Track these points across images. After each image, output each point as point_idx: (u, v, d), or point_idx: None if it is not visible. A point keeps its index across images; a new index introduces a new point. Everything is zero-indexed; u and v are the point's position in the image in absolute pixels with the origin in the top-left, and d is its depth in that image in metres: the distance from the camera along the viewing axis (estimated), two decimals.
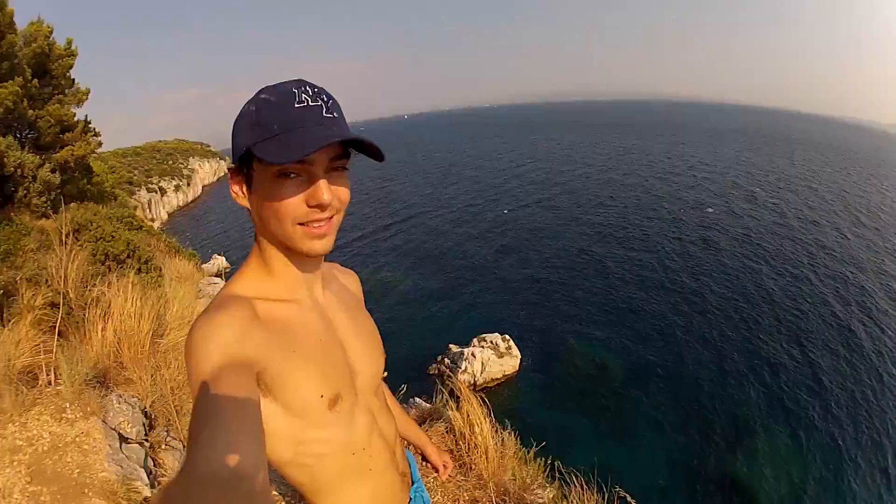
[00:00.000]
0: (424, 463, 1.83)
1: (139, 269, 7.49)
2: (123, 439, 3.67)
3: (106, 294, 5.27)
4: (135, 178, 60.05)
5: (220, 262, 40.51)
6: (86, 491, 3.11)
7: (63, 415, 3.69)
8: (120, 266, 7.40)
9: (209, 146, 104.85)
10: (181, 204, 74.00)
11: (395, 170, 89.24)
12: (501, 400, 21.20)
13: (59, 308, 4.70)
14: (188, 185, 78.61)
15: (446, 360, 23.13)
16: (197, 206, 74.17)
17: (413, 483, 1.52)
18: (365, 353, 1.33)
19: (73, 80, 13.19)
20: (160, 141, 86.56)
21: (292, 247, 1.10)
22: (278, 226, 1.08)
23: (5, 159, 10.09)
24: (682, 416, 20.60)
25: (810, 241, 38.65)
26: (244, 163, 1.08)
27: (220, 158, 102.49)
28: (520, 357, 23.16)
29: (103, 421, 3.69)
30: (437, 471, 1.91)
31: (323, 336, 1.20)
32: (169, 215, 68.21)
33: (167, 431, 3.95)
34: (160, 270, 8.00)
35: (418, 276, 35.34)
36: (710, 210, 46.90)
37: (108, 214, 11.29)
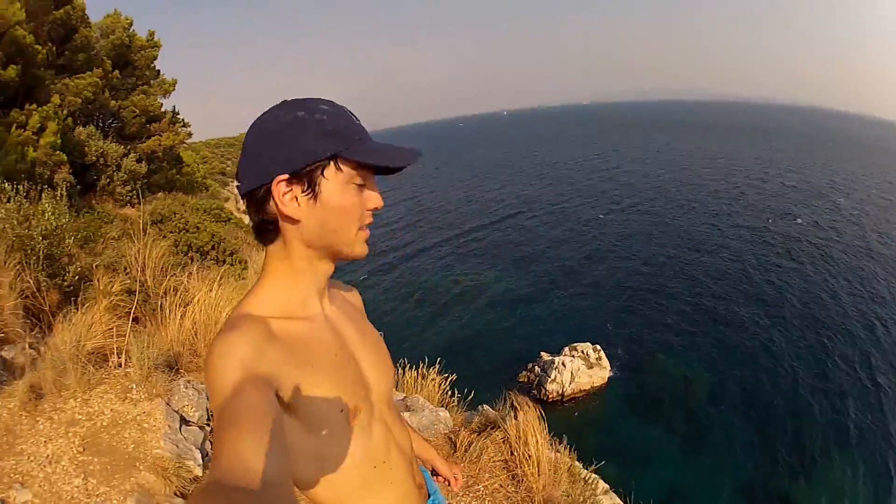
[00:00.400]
0: (434, 476, 1.80)
1: (224, 261, 7.61)
2: (185, 421, 3.85)
3: (185, 284, 5.51)
4: (228, 168, 61.34)
5: None
6: (137, 465, 3.25)
7: (128, 395, 3.86)
8: (203, 257, 7.54)
9: None
10: None
11: (490, 168, 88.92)
12: (585, 412, 21.08)
13: (135, 295, 4.97)
14: None
15: (537, 368, 22.81)
16: None
17: (430, 496, 1.53)
18: (377, 366, 1.35)
19: (158, 71, 13.67)
20: (242, 133, 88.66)
21: (347, 252, 1.17)
22: (344, 231, 1.14)
23: (86, 148, 10.66)
24: (756, 438, 19.77)
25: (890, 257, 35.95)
26: (309, 169, 1.10)
27: None
28: (609, 368, 22.78)
29: (167, 403, 3.88)
30: (448, 483, 1.88)
31: (338, 351, 1.22)
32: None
33: None
34: (245, 263, 8.14)
35: (511, 278, 34.99)
36: (800, 221, 44.31)
37: (196, 206, 11.61)
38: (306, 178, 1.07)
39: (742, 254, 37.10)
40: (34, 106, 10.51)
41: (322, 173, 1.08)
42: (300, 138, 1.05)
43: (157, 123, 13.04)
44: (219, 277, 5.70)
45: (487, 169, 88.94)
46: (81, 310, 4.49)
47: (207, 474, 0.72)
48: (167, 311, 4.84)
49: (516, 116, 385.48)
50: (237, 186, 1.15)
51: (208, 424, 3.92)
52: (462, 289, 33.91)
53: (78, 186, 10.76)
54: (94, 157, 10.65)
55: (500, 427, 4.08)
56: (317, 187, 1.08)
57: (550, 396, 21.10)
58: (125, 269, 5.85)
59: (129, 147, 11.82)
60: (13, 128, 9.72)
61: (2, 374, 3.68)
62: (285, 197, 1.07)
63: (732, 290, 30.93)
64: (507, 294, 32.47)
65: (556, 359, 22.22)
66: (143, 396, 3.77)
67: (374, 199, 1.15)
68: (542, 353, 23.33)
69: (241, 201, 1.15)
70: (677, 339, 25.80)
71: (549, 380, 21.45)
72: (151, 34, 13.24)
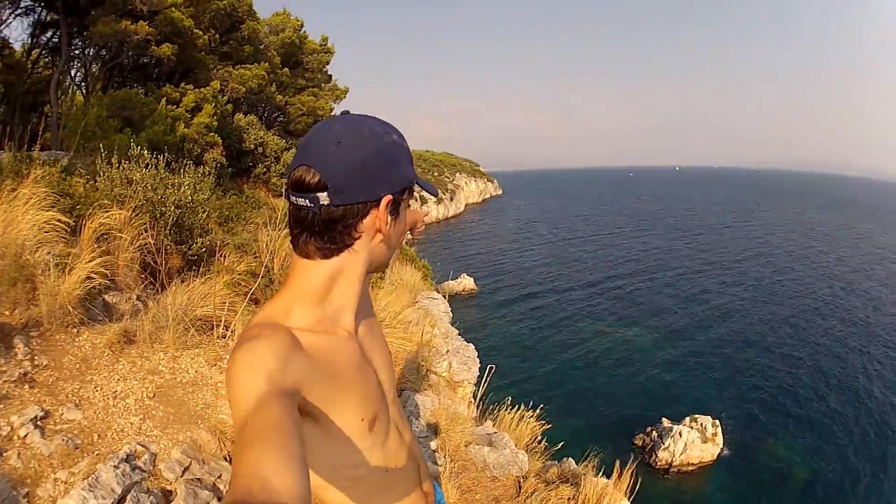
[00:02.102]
0: None
1: None
2: None
3: None
4: None
5: (467, 282, 42.06)
6: (198, 422, 3.35)
7: (218, 362, 4.07)
8: None
9: (478, 165, 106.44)
10: (440, 217, 76.73)
11: (655, 219, 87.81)
12: (685, 487, 20.36)
13: (258, 278, 5.19)
14: (451, 199, 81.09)
15: (654, 432, 22.44)
16: (457, 223, 76.74)
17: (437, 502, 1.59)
18: (387, 369, 1.41)
19: (331, 76, 14.51)
20: (427, 150, 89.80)
21: (386, 267, 1.30)
22: (394, 247, 1.26)
23: (245, 135, 11.35)
24: None
25: None
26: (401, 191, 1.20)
27: (489, 180, 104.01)
28: (721, 445, 21.88)
29: None
30: None
31: (361, 362, 1.26)
32: (426, 225, 71.44)
33: None
34: (382, 273, 8.36)
35: (650, 335, 34.19)
36: None
37: None
38: (396, 199, 1.16)
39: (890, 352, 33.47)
40: (190, 86, 11.55)
41: (403, 196, 1.19)
42: (401, 161, 1.16)
43: None
44: None
45: (647, 220, 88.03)
46: (201, 279, 4.75)
47: (227, 493, 0.71)
48: None
49: (685, 173, 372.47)
50: (312, 195, 1.09)
51: None
52: (602, 338, 33.44)
53: (230, 169, 11.55)
54: (252, 145, 11.43)
55: (574, 484, 3.94)
56: (398, 209, 1.19)
57: (659, 464, 20.81)
58: (255, 252, 6.20)
59: (290, 143, 12.62)
60: (164, 101, 10.58)
61: (100, 314, 3.93)
62: (385, 216, 1.15)
63: (873, 398, 27.87)
64: (646, 351, 31.75)
65: (675, 427, 21.85)
66: None
67: (419, 218, 1.57)
68: (664, 419, 22.96)
69: (315, 207, 1.11)
70: (796, 431, 24.15)
71: (663, 447, 21.15)
72: (325, 39, 14.06)
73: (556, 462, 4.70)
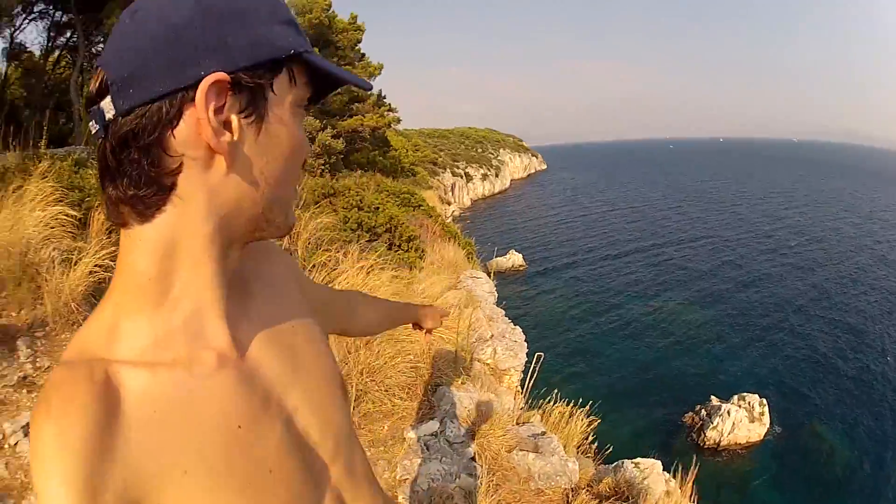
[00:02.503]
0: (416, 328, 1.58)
1: (399, 246, 7.50)
2: None
3: (337, 259, 5.39)
4: (440, 159, 63.21)
5: (516, 259, 41.69)
6: None
7: None
8: (375, 238, 7.54)
9: (521, 141, 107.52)
10: (486, 193, 77.00)
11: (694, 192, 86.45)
12: (731, 467, 20.06)
13: None
14: (496, 175, 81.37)
15: (703, 411, 22.12)
16: (504, 199, 76.56)
17: None
18: (324, 404, 0.84)
19: (363, 53, 14.22)
20: (470, 127, 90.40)
21: (281, 222, 0.75)
22: (290, 184, 0.74)
23: None
24: None
25: None
26: (257, 74, 0.66)
27: (533, 155, 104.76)
28: (768, 425, 21.54)
29: None
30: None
31: (247, 412, 0.71)
32: (472, 202, 71.73)
33: None
34: (423, 253, 7.95)
35: (698, 310, 33.49)
36: None
37: (385, 187, 11.74)
38: (248, 88, 0.65)
39: None
40: None
41: (272, 85, 0.67)
42: (256, 15, 0.65)
43: (361, 104, 13.51)
44: (376, 259, 5.62)
45: (690, 192, 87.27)
46: None
47: None
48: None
49: (731, 144, 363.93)
50: (93, 108, 0.63)
51: None
52: (648, 312, 33.01)
53: None
54: None
55: (631, 500, 3.51)
56: (265, 106, 0.67)
57: (707, 443, 20.57)
58: None
59: (326, 122, 12.38)
60: None
61: None
62: (217, 117, 0.63)
63: None
64: (691, 327, 31.21)
65: (724, 406, 21.62)
66: None
67: (305, 143, 0.75)
68: (713, 397, 22.65)
69: (100, 129, 0.63)
70: (846, 414, 23.44)
71: (712, 426, 20.92)
72: (354, 17, 13.76)
73: (610, 468, 4.26)
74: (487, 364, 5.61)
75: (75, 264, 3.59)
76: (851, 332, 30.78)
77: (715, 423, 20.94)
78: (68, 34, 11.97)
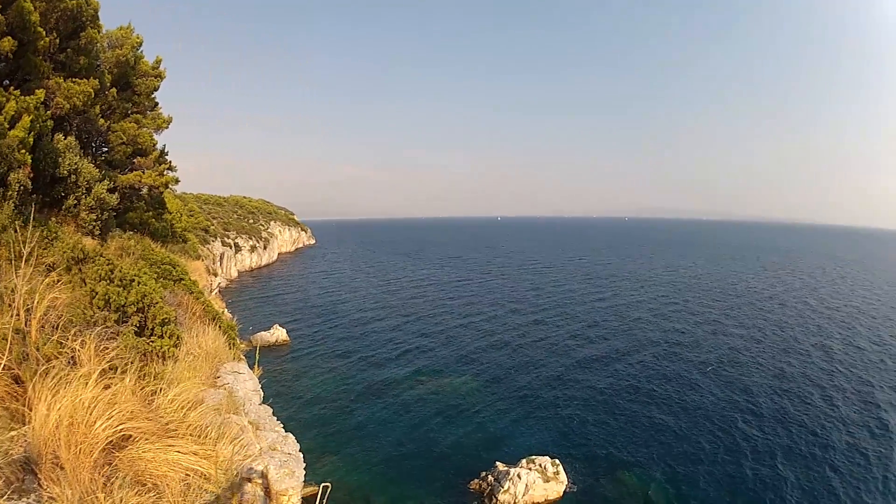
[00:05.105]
0: None
1: (151, 330, 6.41)
2: None
3: (74, 352, 4.29)
4: (212, 227, 61.62)
5: (279, 333, 41.18)
6: None
7: None
8: (126, 320, 6.32)
9: (293, 214, 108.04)
10: (254, 265, 75.86)
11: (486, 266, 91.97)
12: None
13: (7, 343, 3.69)
14: (265, 248, 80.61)
15: (490, 477, 22.80)
16: (269, 272, 75.71)
17: None
18: None
19: (157, 103, 13.41)
20: (245, 197, 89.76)
21: None
22: None
23: (60, 159, 9.82)
24: None
25: None
26: None
27: (302, 230, 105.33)
28: (566, 483, 22.73)
29: None
30: None
31: None
32: (239, 273, 69.95)
33: None
34: (178, 340, 6.76)
35: (475, 382, 35.06)
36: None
37: (144, 255, 10.57)
38: None
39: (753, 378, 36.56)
40: (17, 92, 9.69)
41: None
42: None
43: (144, 158, 12.61)
44: (120, 355, 4.60)
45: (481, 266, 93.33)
46: None
47: None
48: (38, 392, 3.41)
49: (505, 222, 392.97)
50: None
51: None
52: (422, 386, 33.65)
53: (34, 195, 9.58)
54: (65, 172, 9.64)
55: None
56: None
57: None
58: (10, 305, 4.31)
59: (105, 173, 11.30)
60: None
61: None
62: None
63: (709, 424, 29.73)
64: (469, 399, 32.18)
65: (512, 470, 22.28)
66: None
67: None
68: (498, 463, 23.33)
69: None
70: (642, 459, 25.46)
71: (503, 490, 21.44)
72: (158, 61, 13.03)
73: None
74: (258, 483, 4.70)
75: None
76: (624, 390, 33.93)
77: (506, 487, 21.50)
78: None
